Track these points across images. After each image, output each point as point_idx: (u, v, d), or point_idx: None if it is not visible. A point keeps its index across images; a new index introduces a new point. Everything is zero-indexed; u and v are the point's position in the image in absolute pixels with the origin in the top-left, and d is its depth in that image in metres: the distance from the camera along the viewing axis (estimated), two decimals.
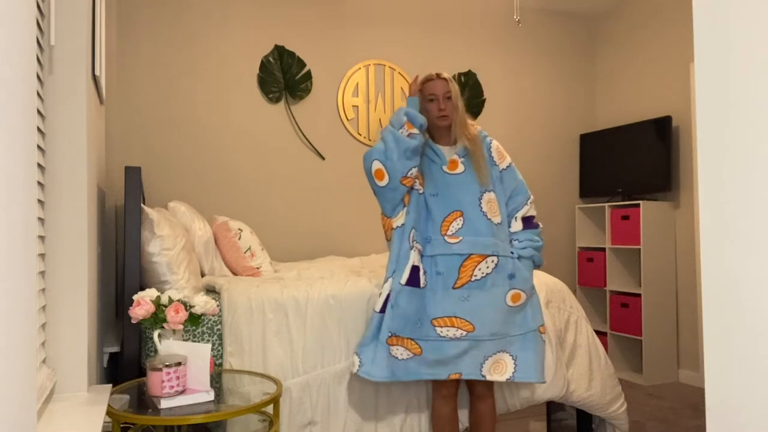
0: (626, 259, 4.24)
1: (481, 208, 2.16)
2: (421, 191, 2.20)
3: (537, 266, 2.26)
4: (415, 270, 2.13)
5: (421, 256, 2.15)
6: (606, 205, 4.23)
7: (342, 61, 4.04)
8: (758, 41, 0.73)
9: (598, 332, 4.19)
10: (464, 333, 2.09)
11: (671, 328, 3.99)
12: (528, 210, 2.26)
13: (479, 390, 2.22)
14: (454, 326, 2.09)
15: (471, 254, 2.10)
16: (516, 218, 2.25)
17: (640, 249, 4.01)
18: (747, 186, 0.75)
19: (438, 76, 2.22)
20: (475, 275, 2.10)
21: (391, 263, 2.16)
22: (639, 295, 4.00)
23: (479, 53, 4.43)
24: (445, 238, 2.13)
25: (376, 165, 2.14)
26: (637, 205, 3.99)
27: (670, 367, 3.97)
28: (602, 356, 2.63)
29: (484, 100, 4.41)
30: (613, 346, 4.16)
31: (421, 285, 2.12)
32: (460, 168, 2.21)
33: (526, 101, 4.57)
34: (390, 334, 2.12)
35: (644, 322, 3.89)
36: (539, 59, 4.62)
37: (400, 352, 2.13)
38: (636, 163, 4.15)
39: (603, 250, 4.31)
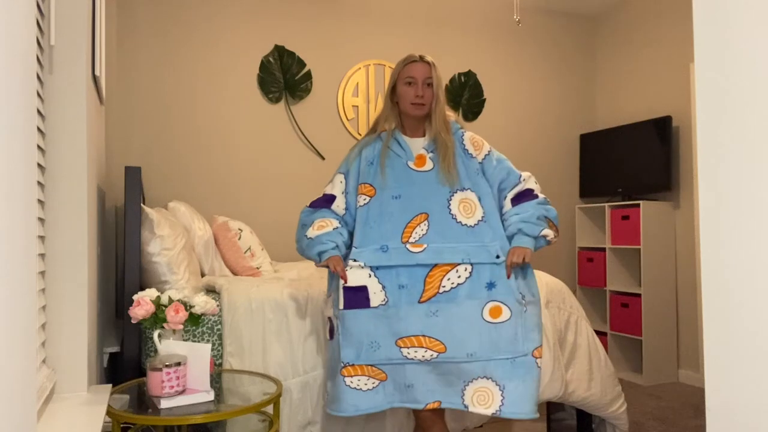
0: (626, 259, 4.24)
1: (450, 210, 1.91)
2: (365, 202, 1.96)
3: (546, 240, 1.92)
4: (356, 290, 1.86)
5: (375, 268, 1.87)
6: (606, 205, 4.23)
7: (342, 61, 4.04)
8: (758, 41, 0.73)
9: (598, 332, 4.19)
10: (434, 354, 1.81)
11: (671, 328, 3.98)
12: (521, 187, 1.98)
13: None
14: (422, 346, 1.81)
15: (436, 264, 1.85)
16: (506, 200, 1.98)
17: (640, 249, 4.01)
18: (746, 186, 0.75)
19: (421, 58, 1.98)
20: (444, 286, 1.83)
21: (331, 280, 2.00)
22: (639, 295, 3.99)
23: (479, 53, 4.43)
24: (407, 246, 1.87)
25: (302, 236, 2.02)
26: (637, 205, 3.99)
27: (670, 367, 3.97)
28: (602, 356, 2.63)
29: (484, 100, 4.41)
30: (613, 346, 4.16)
31: (372, 305, 1.85)
32: (428, 165, 1.96)
33: (527, 101, 4.57)
34: (343, 364, 1.86)
35: (644, 322, 3.89)
36: (539, 59, 4.62)
37: (362, 382, 1.85)
38: (636, 163, 4.15)
39: (603, 250, 4.31)
